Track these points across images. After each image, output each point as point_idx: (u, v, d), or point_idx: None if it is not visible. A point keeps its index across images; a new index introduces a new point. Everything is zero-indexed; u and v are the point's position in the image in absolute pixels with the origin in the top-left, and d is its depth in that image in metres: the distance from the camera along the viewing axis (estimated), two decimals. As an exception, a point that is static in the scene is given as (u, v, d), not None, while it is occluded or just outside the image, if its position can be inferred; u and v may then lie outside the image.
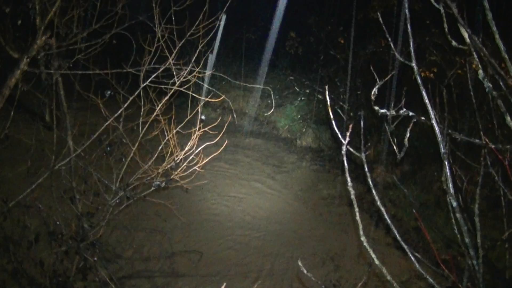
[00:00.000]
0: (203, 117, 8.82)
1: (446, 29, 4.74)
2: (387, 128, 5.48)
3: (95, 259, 8.62)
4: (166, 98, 8.42)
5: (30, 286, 8.99)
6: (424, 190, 14.30)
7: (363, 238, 4.35)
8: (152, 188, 8.85)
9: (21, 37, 9.32)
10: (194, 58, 8.22)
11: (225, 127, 9.43)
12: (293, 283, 10.63)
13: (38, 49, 7.70)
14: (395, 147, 5.17)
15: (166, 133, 8.69)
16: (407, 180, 14.93)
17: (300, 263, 4.77)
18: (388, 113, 5.03)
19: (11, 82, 7.49)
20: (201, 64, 8.45)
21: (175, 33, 8.05)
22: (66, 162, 8.13)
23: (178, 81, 8.24)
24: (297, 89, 21.56)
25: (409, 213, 12.91)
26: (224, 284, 6.31)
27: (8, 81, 7.53)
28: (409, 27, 4.53)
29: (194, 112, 8.81)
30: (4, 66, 8.20)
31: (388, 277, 4.36)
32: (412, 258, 4.54)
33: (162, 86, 8.31)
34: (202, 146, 8.79)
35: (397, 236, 4.55)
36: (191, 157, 8.79)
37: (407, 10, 4.52)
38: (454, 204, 4.50)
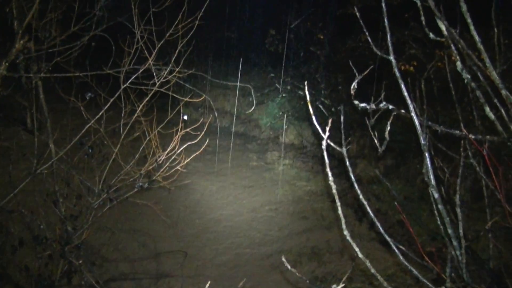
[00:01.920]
0: (185, 117, 8.81)
1: (424, 22, 4.77)
2: (368, 122, 5.50)
3: (80, 262, 8.59)
4: (147, 99, 8.39)
5: (15, 291, 8.95)
6: (408, 184, 14.35)
7: (346, 232, 4.36)
8: (135, 189, 8.83)
9: (-1, 41, 9.28)
10: (174, 58, 8.20)
11: (206, 127, 9.41)
12: (278, 280, 10.63)
13: (17, 53, 7.64)
14: (376, 141, 5.19)
15: (147, 134, 8.68)
16: (391, 174, 14.97)
17: (284, 259, 4.78)
18: (368, 107, 5.05)
19: (-10, 87, 7.45)
20: (181, 64, 8.43)
21: (154, 33, 8.03)
22: (48, 165, 8.08)
23: (158, 81, 8.23)
24: (278, 86, 21.56)
25: (393, 207, 12.95)
26: (209, 283, 6.32)
27: (-13, 86, 7.49)
28: (386, 21, 4.54)
29: (175, 111, 8.80)
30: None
31: (372, 271, 4.38)
32: (396, 251, 4.56)
33: (143, 87, 8.29)
34: (184, 146, 8.78)
35: (381, 229, 4.56)
36: (173, 158, 8.78)
37: (383, 4, 4.53)
38: (436, 195, 4.52)
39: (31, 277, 8.55)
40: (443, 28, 4.39)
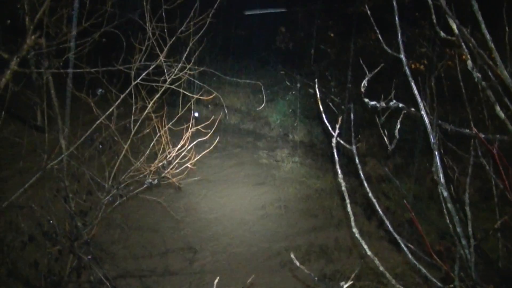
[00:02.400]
0: (196, 115, 8.82)
1: (434, 21, 4.76)
2: (377, 120, 5.51)
3: (89, 258, 8.61)
4: (157, 95, 8.40)
5: (25, 286, 8.98)
6: (417, 182, 14.33)
7: (354, 230, 4.36)
8: (145, 186, 8.85)
9: (10, 38, 9.30)
10: (185, 55, 8.22)
11: (216, 124, 9.41)
12: (287, 278, 10.64)
13: (28, 49, 7.67)
14: (386, 139, 5.20)
15: (158, 131, 8.69)
16: (400, 173, 14.96)
17: (293, 256, 4.80)
18: (378, 106, 5.05)
19: (1, 83, 7.47)
20: (192, 61, 8.44)
21: (165, 30, 8.04)
22: (58, 161, 8.11)
23: (169, 78, 8.24)
24: (288, 84, 21.55)
25: (403, 205, 12.92)
26: (217, 278, 6.32)
27: (-2, 81, 7.51)
28: (397, 19, 4.54)
29: (185, 108, 8.81)
30: (-6, 67, 8.17)
31: (381, 269, 4.38)
32: (405, 249, 4.56)
33: (154, 84, 8.30)
34: (194, 143, 8.79)
35: (390, 228, 4.57)
36: (182, 154, 8.79)
37: (395, 2, 4.53)
38: (445, 194, 4.52)
39: (40, 273, 8.58)
40: (454, 26, 4.39)
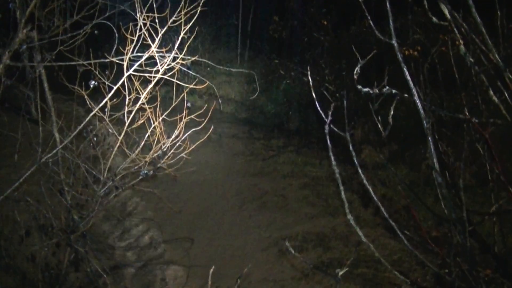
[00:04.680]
0: (189, 105, 8.81)
1: (426, 6, 4.76)
2: (371, 107, 5.51)
3: (86, 250, 8.62)
4: (151, 86, 8.39)
5: (23, 280, 8.98)
6: (413, 169, 14.33)
7: (349, 217, 4.37)
8: (140, 177, 8.85)
9: (2, 31, 9.28)
10: (177, 45, 8.19)
11: (210, 113, 9.40)
12: (284, 267, 10.64)
13: (20, 42, 7.66)
14: (379, 126, 5.20)
15: (152, 122, 8.68)
16: (396, 159, 14.96)
17: (288, 245, 4.81)
18: (371, 92, 5.05)
19: (-6, 77, 7.46)
20: (185, 51, 8.42)
21: (156, 20, 8.01)
22: (53, 154, 8.10)
23: (161, 68, 8.22)
24: (282, 73, 21.53)
25: (399, 192, 12.93)
26: (213, 268, 6.35)
27: (-9, 76, 7.50)
28: (388, 6, 4.54)
29: (179, 99, 8.80)
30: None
31: (377, 255, 4.39)
32: (401, 236, 4.57)
33: (146, 75, 8.28)
34: (188, 133, 8.78)
35: (385, 214, 4.57)
36: (177, 144, 8.79)
37: (386, -11, 4.53)
38: (439, 179, 4.53)
39: (38, 266, 8.60)
40: (446, 12, 4.39)
